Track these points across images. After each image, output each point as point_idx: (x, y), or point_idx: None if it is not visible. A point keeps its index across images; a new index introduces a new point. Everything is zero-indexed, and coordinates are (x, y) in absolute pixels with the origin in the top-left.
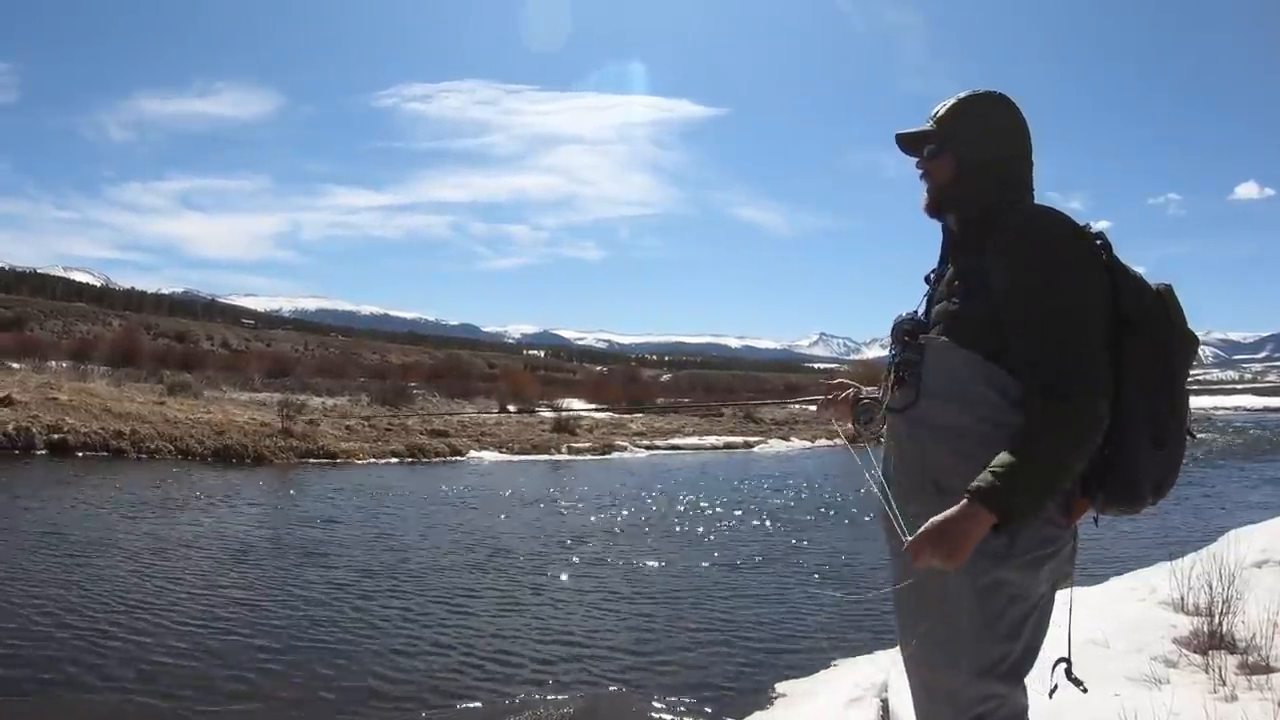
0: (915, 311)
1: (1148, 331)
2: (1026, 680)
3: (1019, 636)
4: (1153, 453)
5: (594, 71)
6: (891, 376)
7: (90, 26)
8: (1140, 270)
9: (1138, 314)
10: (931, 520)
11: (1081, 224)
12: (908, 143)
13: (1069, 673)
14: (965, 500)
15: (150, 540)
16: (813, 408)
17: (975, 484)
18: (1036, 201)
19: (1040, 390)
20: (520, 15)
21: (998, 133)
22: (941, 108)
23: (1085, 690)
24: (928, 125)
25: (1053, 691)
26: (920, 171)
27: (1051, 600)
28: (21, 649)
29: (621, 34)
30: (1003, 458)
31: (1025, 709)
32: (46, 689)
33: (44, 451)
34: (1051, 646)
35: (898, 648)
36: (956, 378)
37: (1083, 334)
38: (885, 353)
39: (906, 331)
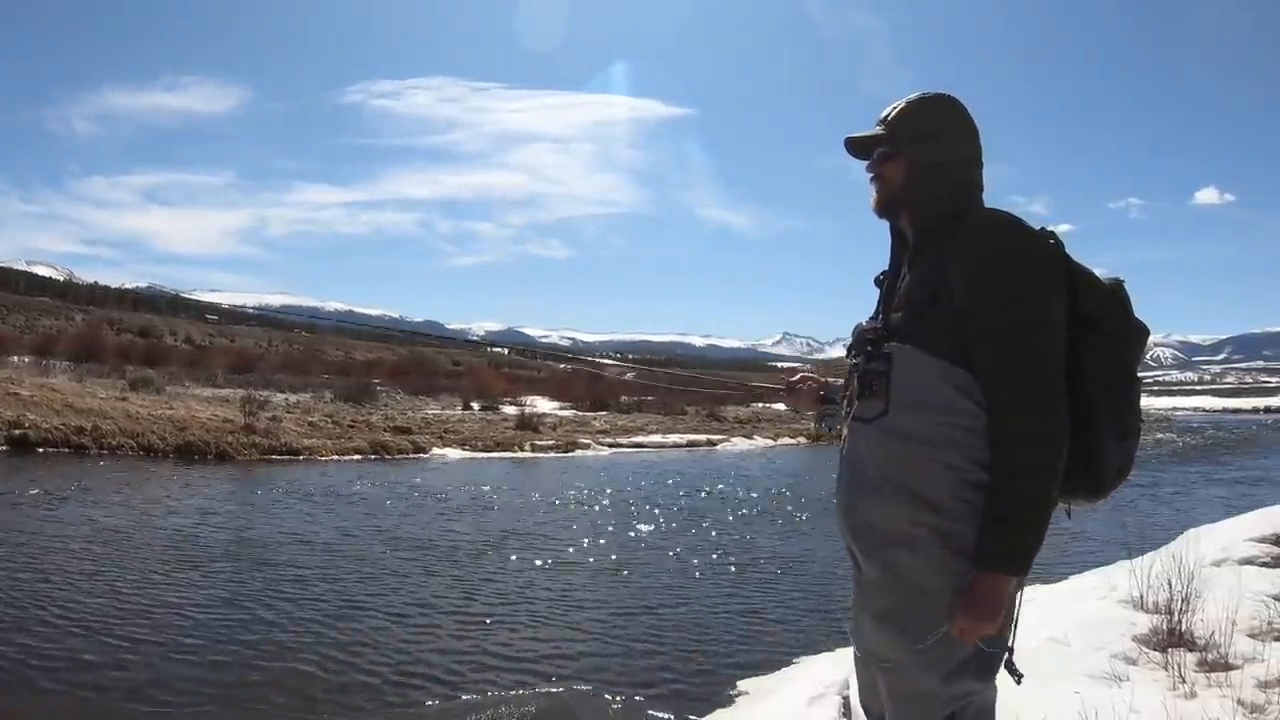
0: (876, 318)
1: (1106, 328)
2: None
3: None
4: (1116, 445)
5: (564, 70)
6: (855, 385)
7: (57, 19)
8: (1096, 270)
9: (1097, 311)
10: (966, 603)
11: (1037, 227)
12: (857, 146)
13: (1009, 662)
14: (985, 572)
15: (104, 539)
16: (780, 405)
17: (986, 552)
18: (995, 205)
19: (1005, 405)
20: (493, 14)
21: (950, 135)
22: (892, 110)
23: (1019, 681)
24: (877, 129)
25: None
26: (871, 175)
27: (1016, 596)
28: None
29: (592, 33)
30: (997, 510)
31: (994, 702)
32: None
33: (4, 448)
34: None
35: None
36: (927, 385)
37: (1050, 345)
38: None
39: (870, 340)
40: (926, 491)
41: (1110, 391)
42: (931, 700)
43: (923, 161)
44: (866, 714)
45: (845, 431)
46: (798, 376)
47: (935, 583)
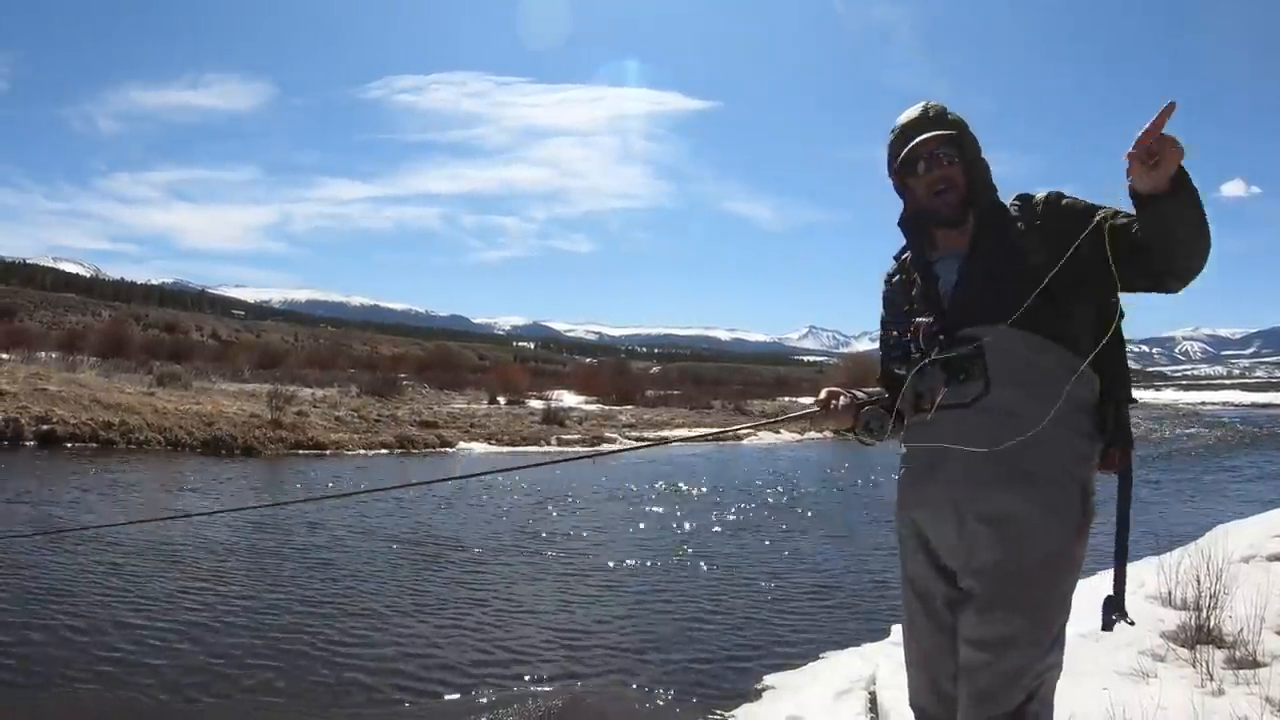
0: (934, 314)
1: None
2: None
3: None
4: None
5: (586, 64)
6: (941, 375)
7: (82, 17)
8: None
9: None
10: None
11: None
12: (932, 127)
13: (1121, 609)
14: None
15: (131, 533)
16: (815, 427)
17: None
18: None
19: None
20: (514, 8)
21: (974, 139)
22: (944, 110)
23: (1132, 623)
24: (947, 130)
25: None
26: (933, 171)
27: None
28: None
29: (614, 26)
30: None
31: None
32: (14, 686)
33: (33, 443)
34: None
35: (885, 642)
36: (1026, 361)
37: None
38: (875, 346)
39: (940, 330)
40: (1033, 468)
41: (1123, 360)
42: (1027, 671)
43: (980, 162)
44: (920, 714)
45: (931, 421)
46: (824, 394)
47: (1048, 557)
